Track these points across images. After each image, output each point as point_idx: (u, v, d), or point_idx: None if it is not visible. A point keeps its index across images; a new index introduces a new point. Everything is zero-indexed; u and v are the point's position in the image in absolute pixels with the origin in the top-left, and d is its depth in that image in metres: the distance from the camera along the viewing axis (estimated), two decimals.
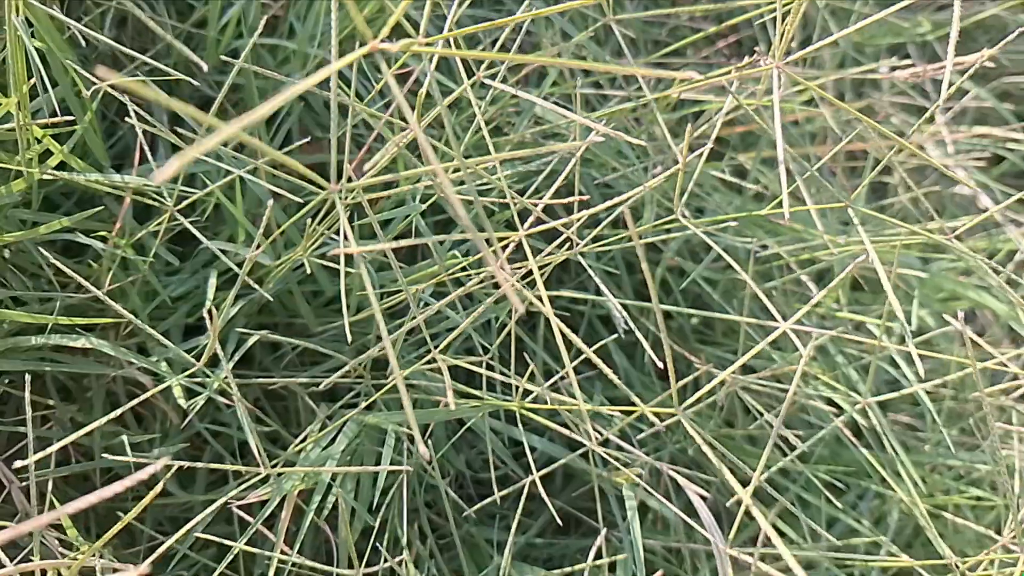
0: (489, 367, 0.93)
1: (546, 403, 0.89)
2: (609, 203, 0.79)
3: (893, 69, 0.99)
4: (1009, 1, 1.04)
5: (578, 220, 0.79)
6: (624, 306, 1.10)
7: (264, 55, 1.09)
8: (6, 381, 0.98)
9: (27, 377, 0.79)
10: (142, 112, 0.86)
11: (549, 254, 0.83)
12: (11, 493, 0.90)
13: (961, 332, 0.80)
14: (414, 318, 0.79)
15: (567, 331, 0.73)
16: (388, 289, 0.96)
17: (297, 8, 1.08)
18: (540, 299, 0.78)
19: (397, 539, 0.97)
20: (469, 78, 0.81)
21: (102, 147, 0.91)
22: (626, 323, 0.89)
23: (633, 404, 0.92)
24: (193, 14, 1.08)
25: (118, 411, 0.78)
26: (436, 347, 0.83)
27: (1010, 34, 0.79)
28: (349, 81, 0.99)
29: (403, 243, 0.75)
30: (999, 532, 1.11)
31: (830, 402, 1.06)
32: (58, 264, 0.86)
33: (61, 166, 0.85)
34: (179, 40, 1.03)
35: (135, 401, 0.81)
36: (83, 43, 0.90)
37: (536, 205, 0.78)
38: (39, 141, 0.79)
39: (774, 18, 0.74)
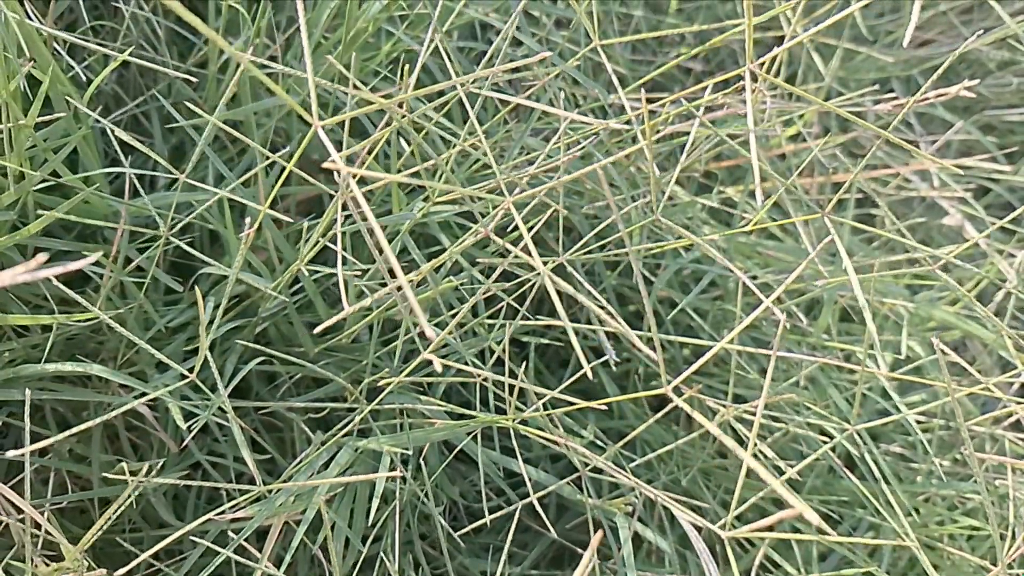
0: (483, 389, 0.94)
1: (538, 421, 0.90)
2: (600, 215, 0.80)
3: (877, 102, 1.02)
4: (990, 37, 1.07)
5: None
6: (616, 338, 1.11)
7: (262, 93, 1.12)
8: (6, 413, 0.99)
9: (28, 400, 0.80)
10: (144, 148, 0.88)
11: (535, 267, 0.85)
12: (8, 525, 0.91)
13: (948, 360, 0.81)
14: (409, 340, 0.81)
15: (565, 292, 0.74)
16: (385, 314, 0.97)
17: (295, 48, 1.12)
18: (534, 317, 0.79)
19: (390, 570, 0.97)
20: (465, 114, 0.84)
21: (96, 158, 0.93)
22: (614, 350, 0.90)
23: (626, 434, 0.93)
24: (194, 54, 1.12)
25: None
26: (430, 363, 0.84)
27: (991, 71, 0.82)
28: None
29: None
30: (994, 563, 1.10)
31: (822, 431, 1.07)
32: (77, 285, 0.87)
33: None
34: (180, 79, 1.06)
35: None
36: (84, 80, 0.93)
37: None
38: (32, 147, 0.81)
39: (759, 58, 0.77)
